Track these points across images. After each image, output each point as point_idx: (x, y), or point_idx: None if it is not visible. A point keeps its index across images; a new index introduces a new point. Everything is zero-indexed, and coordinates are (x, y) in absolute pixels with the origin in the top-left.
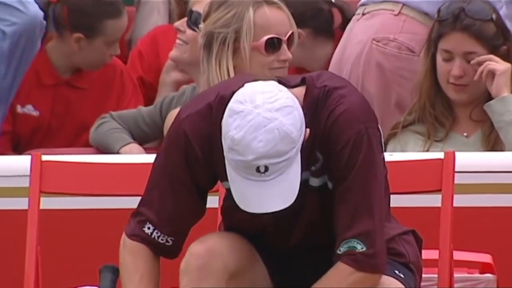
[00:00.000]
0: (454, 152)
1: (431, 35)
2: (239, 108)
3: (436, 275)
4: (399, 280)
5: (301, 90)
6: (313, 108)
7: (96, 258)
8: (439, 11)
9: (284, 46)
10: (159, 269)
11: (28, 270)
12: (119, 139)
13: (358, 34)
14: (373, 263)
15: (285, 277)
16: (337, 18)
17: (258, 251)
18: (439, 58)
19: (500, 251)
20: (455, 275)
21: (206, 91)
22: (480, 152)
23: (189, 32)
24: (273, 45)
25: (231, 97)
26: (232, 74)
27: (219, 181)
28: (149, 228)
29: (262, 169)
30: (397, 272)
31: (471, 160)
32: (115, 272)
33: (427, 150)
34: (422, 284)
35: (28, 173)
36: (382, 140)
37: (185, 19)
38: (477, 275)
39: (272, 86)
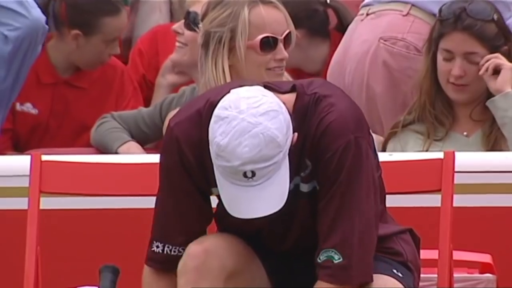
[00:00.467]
0: (454, 152)
1: (432, 35)
2: (223, 114)
3: (436, 275)
4: (397, 279)
5: (291, 96)
6: (302, 115)
7: (96, 258)
8: (440, 10)
9: (281, 45)
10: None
11: (28, 270)
12: (118, 138)
13: (363, 33)
14: (348, 275)
15: (283, 277)
16: (332, 19)
17: (256, 251)
18: (439, 57)
19: (500, 251)
20: (455, 275)
21: (195, 98)
22: (479, 152)
23: (187, 33)
24: (268, 44)
25: None
26: (227, 74)
27: None
28: (157, 246)
29: (249, 174)
30: (395, 271)
31: (470, 160)
32: (115, 272)
33: (427, 149)
34: (421, 284)
35: (28, 173)
36: (375, 145)
37: (183, 21)
38: (476, 275)
39: (257, 91)
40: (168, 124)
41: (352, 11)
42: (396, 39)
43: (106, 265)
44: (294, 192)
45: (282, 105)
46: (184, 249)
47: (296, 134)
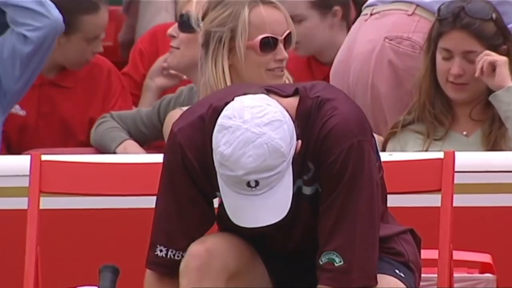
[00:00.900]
0: (454, 152)
1: (431, 34)
2: (228, 123)
3: (436, 275)
4: (399, 280)
5: (294, 100)
6: (305, 119)
7: (96, 258)
8: (439, 10)
9: (281, 45)
10: None
11: (28, 270)
12: (115, 137)
13: (367, 33)
14: (348, 278)
15: (285, 278)
16: (352, 12)
17: (258, 252)
18: (438, 57)
19: (499, 251)
20: (455, 275)
21: (197, 103)
22: (479, 152)
23: (182, 35)
24: (268, 44)
25: (223, 108)
26: (227, 74)
27: None
28: (161, 251)
29: (252, 184)
30: (397, 271)
31: (470, 160)
32: (115, 272)
33: (427, 149)
34: (422, 284)
35: (28, 173)
36: (377, 146)
37: (176, 25)
38: (476, 275)
39: (261, 100)
40: (171, 130)
41: None
42: (401, 38)
43: (106, 265)
44: (296, 195)
45: (286, 114)
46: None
47: (300, 141)
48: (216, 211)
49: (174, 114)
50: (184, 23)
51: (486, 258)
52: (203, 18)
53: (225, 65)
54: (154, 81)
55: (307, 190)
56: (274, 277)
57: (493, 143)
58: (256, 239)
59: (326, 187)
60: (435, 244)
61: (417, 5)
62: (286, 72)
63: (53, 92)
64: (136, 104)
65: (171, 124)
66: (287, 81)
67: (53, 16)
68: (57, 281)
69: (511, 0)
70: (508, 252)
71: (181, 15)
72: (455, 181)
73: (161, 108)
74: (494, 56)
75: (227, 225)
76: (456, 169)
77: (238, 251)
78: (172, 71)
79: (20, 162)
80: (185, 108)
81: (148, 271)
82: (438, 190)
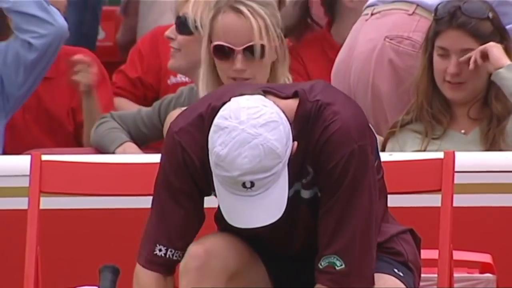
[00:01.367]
0: (453, 152)
1: (428, 34)
2: (223, 124)
3: (436, 275)
4: (398, 279)
5: (293, 102)
6: (305, 122)
7: (96, 258)
8: (436, 9)
9: (239, 56)
10: None
11: (28, 270)
12: (115, 139)
13: (368, 32)
14: (349, 281)
15: (285, 278)
16: None
17: (258, 252)
18: (435, 56)
19: (500, 251)
20: (455, 275)
21: (196, 103)
22: (480, 152)
23: (180, 37)
24: (221, 52)
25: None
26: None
27: None
28: (160, 250)
29: (248, 185)
30: (396, 270)
31: (471, 159)
32: (115, 272)
33: (425, 148)
34: (422, 284)
35: (28, 173)
36: (378, 146)
37: (174, 26)
38: (477, 275)
39: (257, 101)
40: (170, 128)
41: None
42: (402, 37)
43: (106, 265)
44: (295, 198)
45: (282, 115)
46: (183, 254)
47: (296, 143)
48: (215, 211)
49: (174, 114)
50: (182, 25)
51: (486, 258)
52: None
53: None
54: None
55: (305, 194)
56: (274, 278)
57: (491, 141)
58: (256, 240)
59: (325, 192)
60: (435, 244)
61: (418, 5)
62: (286, 72)
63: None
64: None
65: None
66: (286, 81)
67: (58, 23)
68: (57, 281)
69: (511, 1)
70: (508, 252)
71: (178, 17)
72: (455, 181)
73: (161, 108)
74: (483, 46)
75: (226, 226)
76: (456, 169)
77: (238, 251)
78: None
79: (20, 162)
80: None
81: (142, 270)
82: (438, 190)
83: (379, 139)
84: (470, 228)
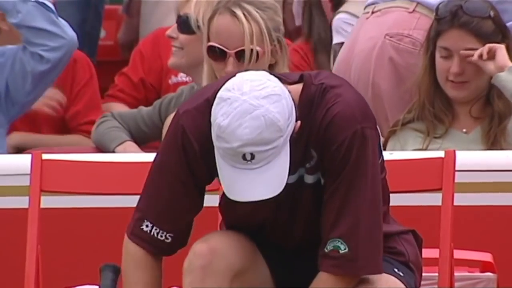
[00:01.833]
0: (454, 151)
1: (429, 34)
2: (226, 95)
3: (437, 274)
4: (398, 278)
5: (298, 86)
6: (309, 105)
7: (97, 257)
8: (437, 9)
9: (231, 59)
10: (161, 276)
11: (29, 268)
12: (115, 137)
13: (369, 30)
14: (354, 265)
15: (287, 276)
16: None
17: (260, 249)
18: (437, 56)
19: (500, 250)
20: (456, 274)
21: (204, 88)
22: (480, 151)
23: (181, 36)
24: (214, 53)
25: None
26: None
27: (218, 181)
28: (147, 226)
29: (248, 157)
30: (396, 270)
31: (471, 158)
32: (116, 271)
33: (426, 147)
34: (422, 283)
35: (29, 171)
36: (380, 140)
37: (175, 25)
38: (477, 274)
39: (261, 75)
40: (177, 111)
41: None
42: (402, 35)
43: (106, 264)
44: (298, 184)
45: (286, 90)
46: (171, 236)
47: (299, 122)
48: (219, 203)
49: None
50: (183, 24)
51: (487, 257)
52: None
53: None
54: None
55: (309, 179)
56: (276, 276)
57: (493, 140)
58: (258, 231)
59: (329, 175)
60: (435, 243)
61: (418, 3)
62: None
63: None
64: (131, 104)
65: None
66: None
67: (68, 35)
68: (57, 280)
69: None
70: (509, 251)
71: (179, 16)
72: (456, 180)
73: (162, 107)
74: (491, 44)
75: (230, 215)
76: (456, 168)
77: (242, 250)
78: None
79: (21, 161)
80: None
81: (129, 242)
82: (439, 189)
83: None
84: (471, 227)
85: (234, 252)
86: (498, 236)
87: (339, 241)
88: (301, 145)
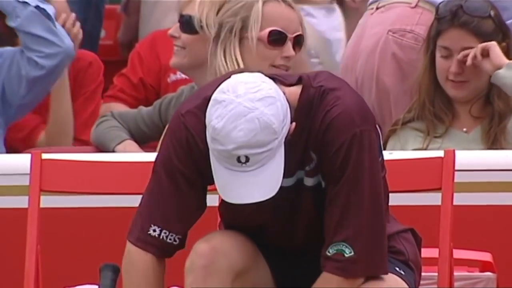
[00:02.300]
0: (454, 151)
1: (430, 33)
2: (221, 97)
3: (436, 274)
4: (400, 277)
5: (297, 89)
6: (308, 108)
7: (97, 257)
8: (437, 8)
9: (289, 43)
10: (164, 279)
11: (28, 268)
12: (115, 137)
13: (373, 26)
14: (360, 268)
15: (287, 277)
16: None
17: (261, 249)
18: (437, 55)
19: (500, 249)
20: (455, 273)
21: (203, 87)
22: (480, 151)
23: (184, 36)
24: (277, 38)
25: None
26: (240, 62)
27: None
28: (154, 230)
29: (243, 159)
30: (397, 269)
31: (471, 158)
32: (116, 270)
33: (427, 146)
34: (422, 282)
35: (28, 171)
36: (381, 141)
37: (178, 25)
38: (477, 273)
39: (256, 77)
40: (178, 111)
41: None
42: (405, 31)
43: (106, 264)
44: (297, 186)
45: (281, 92)
46: (179, 238)
47: (294, 124)
48: (218, 204)
49: None
50: (186, 24)
51: (486, 256)
52: (217, 13)
53: (237, 53)
54: None
55: (309, 182)
56: (276, 276)
57: (493, 140)
58: (258, 234)
59: (330, 178)
60: (435, 242)
61: None
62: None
63: None
64: (131, 104)
65: None
66: None
67: (65, 44)
68: (57, 280)
69: None
70: (509, 250)
71: (182, 16)
72: (455, 180)
73: (162, 107)
74: (484, 44)
75: (229, 218)
76: (456, 168)
77: (244, 250)
78: None
79: (21, 161)
80: None
81: (135, 249)
82: (438, 189)
83: None
84: (470, 226)
85: (236, 252)
86: (498, 236)
87: (343, 245)
88: (300, 148)
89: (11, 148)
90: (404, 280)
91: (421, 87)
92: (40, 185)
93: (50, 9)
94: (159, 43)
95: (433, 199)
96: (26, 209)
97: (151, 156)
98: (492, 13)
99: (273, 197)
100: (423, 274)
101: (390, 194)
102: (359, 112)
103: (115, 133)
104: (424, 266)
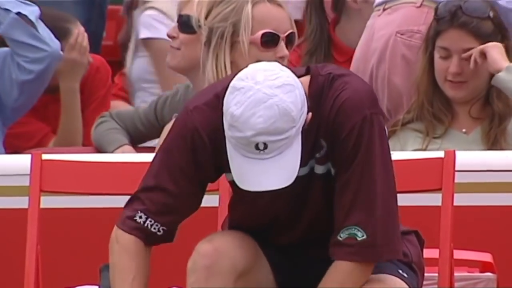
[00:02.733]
0: (454, 151)
1: (429, 33)
2: (240, 84)
3: (437, 274)
4: (402, 280)
5: (306, 78)
6: (318, 96)
7: (97, 257)
8: (436, 9)
9: (282, 43)
10: (149, 263)
11: (28, 269)
12: (113, 141)
13: (381, 28)
14: (373, 251)
15: (288, 276)
16: None
17: (262, 248)
18: (436, 56)
19: (500, 250)
20: (456, 274)
21: (213, 84)
22: (480, 151)
23: (182, 36)
24: (270, 40)
25: None
26: (228, 69)
27: (218, 181)
28: (141, 217)
29: (261, 146)
30: (400, 271)
31: (471, 158)
32: None
33: (426, 147)
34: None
35: (28, 172)
36: (386, 130)
37: (176, 25)
38: (477, 274)
39: (274, 66)
40: (186, 107)
41: None
42: (412, 31)
43: (106, 264)
44: (310, 175)
45: (298, 81)
46: (164, 229)
47: (310, 114)
48: (229, 202)
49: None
50: (184, 24)
51: (486, 257)
52: (206, 17)
53: (227, 61)
54: None
55: (319, 169)
56: (277, 276)
57: (493, 141)
58: (265, 232)
59: (341, 163)
60: (435, 243)
61: None
62: None
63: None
64: (132, 103)
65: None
66: None
67: (50, 47)
68: (57, 280)
69: None
70: (509, 251)
71: (180, 16)
72: (456, 180)
73: (157, 106)
74: (482, 46)
75: (241, 212)
76: (456, 168)
77: (246, 250)
78: None
79: (21, 161)
80: None
81: (120, 233)
82: (438, 189)
83: None
84: (471, 227)
85: (238, 252)
86: (498, 236)
87: (355, 229)
88: (311, 137)
89: None
90: (406, 283)
91: (420, 88)
92: (40, 186)
93: (33, 12)
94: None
95: (434, 199)
96: (26, 209)
97: (150, 157)
98: (491, 14)
99: (289, 186)
100: None
101: None
102: (368, 96)
103: (113, 137)
104: (425, 266)
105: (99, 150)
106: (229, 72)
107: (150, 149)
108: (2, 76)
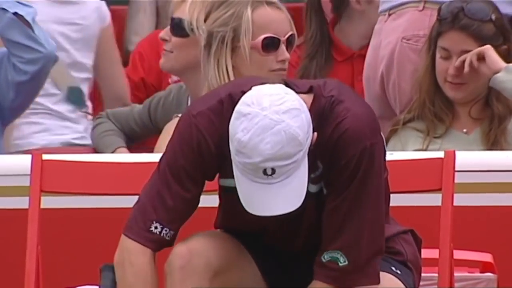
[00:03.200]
0: (454, 151)
1: (431, 33)
2: (246, 110)
3: (437, 275)
4: (395, 276)
5: (308, 97)
6: (318, 117)
7: (97, 257)
8: (439, 9)
9: (283, 46)
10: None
11: (29, 269)
12: (110, 143)
13: (387, 35)
14: (352, 278)
15: (280, 278)
16: None
17: (252, 250)
18: (437, 56)
19: (500, 250)
20: (456, 274)
21: (216, 90)
22: (480, 151)
23: (174, 39)
24: (270, 44)
25: (241, 95)
26: (230, 74)
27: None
28: (156, 227)
29: (269, 172)
30: (393, 268)
31: (471, 159)
32: None
33: (426, 147)
34: (422, 283)
35: (29, 172)
36: (385, 147)
37: (168, 28)
38: (477, 274)
39: (279, 89)
40: (188, 111)
41: None
42: (418, 36)
43: (107, 264)
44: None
45: (304, 104)
46: (173, 235)
47: (315, 134)
48: (215, 219)
49: (174, 123)
50: (176, 27)
51: (487, 257)
52: (205, 20)
53: (229, 66)
54: None
55: (312, 188)
56: (267, 276)
57: (493, 141)
58: (257, 235)
59: (335, 188)
60: (435, 243)
61: (425, 0)
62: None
63: None
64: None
65: (171, 131)
66: None
67: (46, 49)
68: (58, 280)
69: None
70: (509, 251)
71: (173, 19)
72: (456, 180)
73: (151, 107)
74: (478, 48)
75: (230, 216)
76: (456, 168)
77: (222, 248)
78: None
79: (21, 161)
80: None
81: (135, 245)
82: (438, 189)
83: None
84: (471, 227)
85: (212, 251)
86: (498, 237)
87: (338, 253)
88: (308, 156)
89: None
90: (400, 280)
91: (422, 87)
92: (41, 186)
93: (30, 13)
94: (160, 42)
95: (434, 199)
96: (26, 209)
97: (151, 157)
98: (493, 16)
99: None
100: (423, 275)
101: (391, 195)
102: (368, 124)
103: (110, 139)
104: (425, 266)
105: (98, 151)
106: (231, 77)
107: (146, 150)
108: None
